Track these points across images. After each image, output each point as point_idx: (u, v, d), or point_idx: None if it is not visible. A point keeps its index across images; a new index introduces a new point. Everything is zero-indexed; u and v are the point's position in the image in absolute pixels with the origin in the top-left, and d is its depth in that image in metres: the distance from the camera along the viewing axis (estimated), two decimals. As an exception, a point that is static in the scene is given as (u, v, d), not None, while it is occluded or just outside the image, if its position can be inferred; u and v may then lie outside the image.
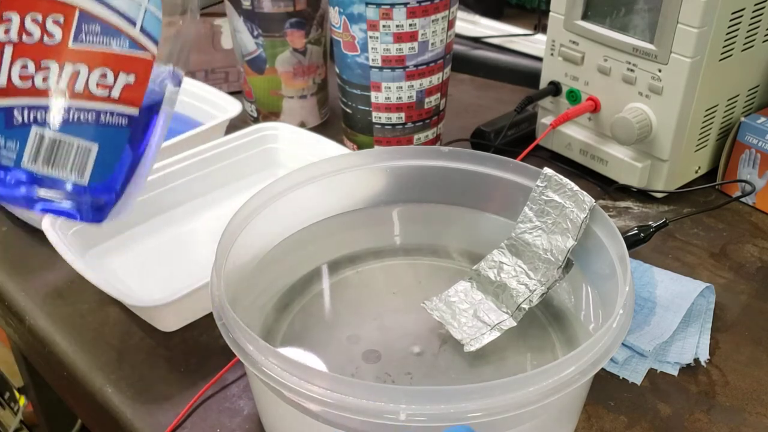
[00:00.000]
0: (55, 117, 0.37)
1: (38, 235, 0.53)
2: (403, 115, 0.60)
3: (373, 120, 0.61)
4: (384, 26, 0.56)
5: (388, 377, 0.41)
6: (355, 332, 0.43)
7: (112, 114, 0.37)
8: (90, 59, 0.37)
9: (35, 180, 0.37)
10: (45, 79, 0.36)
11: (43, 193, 0.37)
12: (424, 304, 0.45)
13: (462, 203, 0.48)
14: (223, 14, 0.75)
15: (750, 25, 0.55)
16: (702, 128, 0.58)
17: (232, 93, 0.68)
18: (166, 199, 0.56)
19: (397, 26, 0.55)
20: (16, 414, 1.02)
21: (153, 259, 0.53)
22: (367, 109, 0.60)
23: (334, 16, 0.58)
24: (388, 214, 0.50)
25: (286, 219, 0.46)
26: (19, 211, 0.57)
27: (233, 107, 0.63)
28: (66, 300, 0.51)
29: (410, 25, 0.56)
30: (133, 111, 0.37)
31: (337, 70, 0.61)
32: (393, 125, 0.61)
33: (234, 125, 0.63)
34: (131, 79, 0.37)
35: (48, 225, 0.49)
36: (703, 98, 0.55)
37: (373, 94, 0.59)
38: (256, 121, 0.70)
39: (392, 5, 0.54)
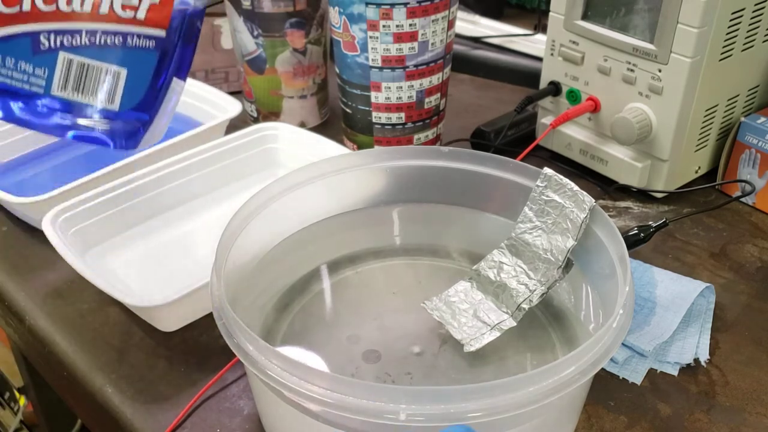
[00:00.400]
0: (82, 41, 0.36)
1: (38, 235, 0.53)
2: (403, 115, 0.60)
3: (373, 120, 0.61)
4: (384, 26, 0.56)
5: (388, 377, 0.41)
6: (355, 332, 0.43)
7: (139, 36, 0.36)
8: None
9: (66, 107, 0.37)
10: (69, 2, 0.36)
11: (74, 120, 0.37)
12: (424, 304, 0.45)
13: (462, 203, 0.48)
14: (223, 14, 0.75)
15: (750, 25, 0.55)
16: (702, 128, 0.58)
17: (232, 93, 0.68)
18: (166, 199, 0.56)
19: (397, 26, 0.55)
20: (16, 414, 1.02)
21: (153, 259, 0.53)
22: (367, 109, 0.60)
23: (334, 16, 0.58)
24: (388, 214, 0.50)
25: (286, 219, 0.46)
26: (19, 212, 0.57)
27: (233, 107, 0.63)
28: (66, 300, 0.51)
29: (410, 25, 0.56)
30: (160, 33, 0.37)
31: (337, 70, 0.61)
32: (393, 125, 0.61)
33: (234, 125, 0.63)
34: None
35: (48, 225, 0.49)
36: (703, 98, 0.55)
37: (373, 94, 0.59)
38: (256, 121, 0.70)
39: (392, 5, 0.54)
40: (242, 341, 0.34)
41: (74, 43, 0.36)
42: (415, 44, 0.57)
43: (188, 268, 0.52)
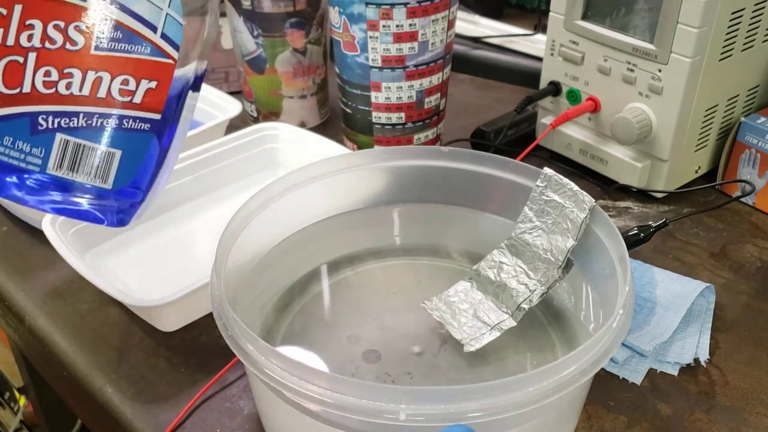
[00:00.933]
0: (79, 123, 0.37)
1: (38, 235, 0.53)
2: (403, 115, 0.60)
3: (373, 120, 0.61)
4: (384, 26, 0.56)
5: (388, 377, 0.41)
6: (355, 332, 0.43)
7: (134, 119, 0.38)
8: (112, 66, 0.37)
9: (60, 186, 0.38)
10: (68, 86, 0.37)
11: (67, 197, 0.38)
12: (424, 304, 0.44)
13: (462, 203, 0.48)
14: (223, 14, 0.75)
15: (750, 25, 0.55)
16: (702, 128, 0.58)
17: (232, 93, 0.69)
18: (166, 199, 0.56)
19: (397, 26, 0.55)
20: (16, 414, 1.02)
21: (153, 259, 0.53)
22: (367, 109, 0.60)
23: (334, 16, 0.58)
24: (388, 214, 0.50)
25: (286, 219, 0.46)
26: (19, 211, 0.57)
27: (233, 107, 0.63)
28: (66, 300, 0.51)
29: (410, 25, 0.56)
30: (155, 116, 0.38)
31: (337, 70, 0.61)
32: (393, 125, 0.61)
33: (234, 125, 0.63)
34: (153, 84, 0.37)
35: (48, 225, 0.49)
36: (703, 98, 0.55)
37: (373, 94, 0.59)
38: (256, 121, 0.70)
39: (392, 5, 0.54)
40: (242, 341, 0.34)
41: (71, 124, 0.37)
42: (415, 44, 0.57)
43: (188, 268, 0.52)
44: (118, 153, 0.38)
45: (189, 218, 0.57)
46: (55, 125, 0.37)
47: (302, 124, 0.69)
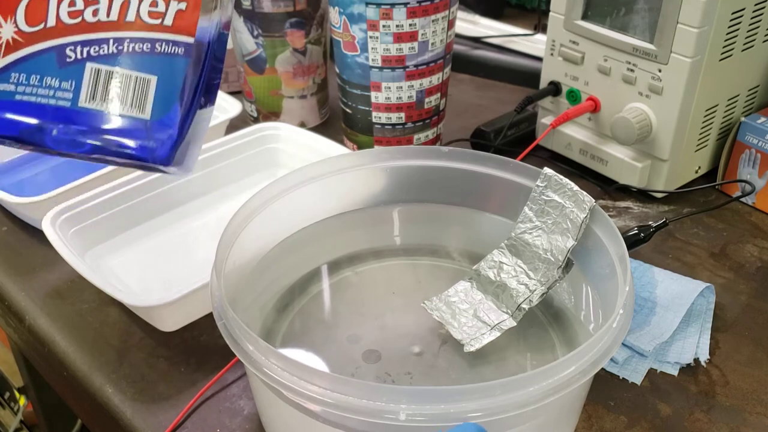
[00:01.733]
0: (110, 50, 0.36)
1: (38, 235, 0.53)
2: (403, 115, 0.60)
3: (373, 120, 0.61)
4: (384, 26, 0.56)
5: (388, 377, 0.41)
6: (355, 332, 0.43)
7: (167, 43, 0.36)
8: None
9: (95, 120, 0.36)
10: (95, 13, 0.35)
11: (104, 136, 0.36)
12: (424, 304, 0.44)
13: (462, 203, 0.48)
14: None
15: (750, 25, 0.55)
16: (702, 128, 0.58)
17: (232, 93, 0.69)
18: (166, 199, 0.56)
19: (397, 26, 0.55)
20: (16, 414, 1.02)
21: (153, 259, 0.53)
22: (367, 109, 0.60)
23: (334, 16, 0.58)
24: (388, 214, 0.50)
25: (286, 219, 0.46)
26: (19, 211, 0.57)
27: (233, 107, 0.63)
28: (66, 300, 0.51)
29: (410, 25, 0.56)
30: (188, 39, 0.36)
31: (337, 70, 0.61)
32: (393, 125, 0.61)
33: (234, 125, 0.63)
34: (182, 5, 0.36)
35: (48, 225, 0.49)
36: (703, 98, 0.55)
37: (373, 94, 0.59)
38: (256, 121, 0.70)
39: (392, 5, 0.54)
40: (242, 341, 0.34)
41: (101, 52, 0.35)
42: (415, 44, 0.57)
43: (188, 268, 0.52)
44: (153, 79, 0.36)
45: (189, 218, 0.57)
46: (85, 55, 0.35)
47: (302, 124, 0.69)
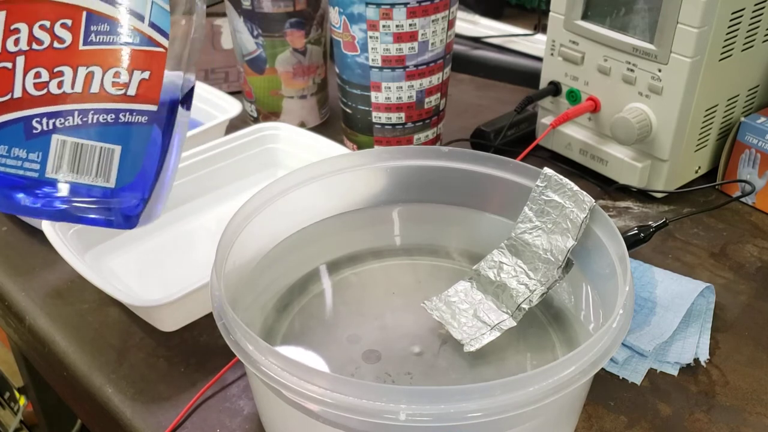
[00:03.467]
0: (75, 121, 0.36)
1: (38, 235, 0.53)
2: (403, 115, 0.60)
3: (373, 120, 0.61)
4: (384, 26, 0.56)
5: (388, 377, 0.41)
6: (355, 332, 0.43)
7: (131, 112, 0.37)
8: (102, 59, 0.36)
9: (61, 191, 0.37)
10: (60, 85, 0.36)
11: (71, 203, 0.37)
12: (424, 304, 0.44)
13: (462, 203, 0.48)
14: (223, 14, 0.75)
15: (750, 25, 0.55)
16: (702, 128, 0.58)
17: (232, 93, 0.69)
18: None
19: (397, 26, 0.55)
20: (16, 414, 1.02)
21: (153, 259, 0.53)
22: (367, 109, 0.60)
23: (334, 16, 0.58)
24: (388, 214, 0.50)
25: (286, 219, 0.46)
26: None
27: (233, 107, 0.63)
28: (66, 300, 0.51)
29: (410, 25, 0.56)
30: (152, 107, 0.37)
31: (337, 70, 0.61)
32: (393, 125, 0.61)
33: (234, 125, 0.63)
34: (146, 75, 0.37)
35: (48, 225, 0.49)
36: (703, 98, 0.55)
37: (373, 94, 0.59)
38: (256, 121, 0.70)
39: (392, 5, 0.54)
40: (242, 341, 0.34)
41: (67, 124, 0.36)
42: (415, 44, 0.57)
43: (188, 268, 0.52)
44: (117, 149, 0.37)
45: (189, 218, 0.57)
46: (51, 127, 0.36)
47: (302, 124, 0.69)
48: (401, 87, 0.58)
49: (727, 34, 0.54)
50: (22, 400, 1.01)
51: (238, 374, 0.45)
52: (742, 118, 0.58)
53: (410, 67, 0.58)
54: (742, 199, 0.60)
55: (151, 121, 0.37)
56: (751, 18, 0.55)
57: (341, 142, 0.63)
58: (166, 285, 0.50)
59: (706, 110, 0.57)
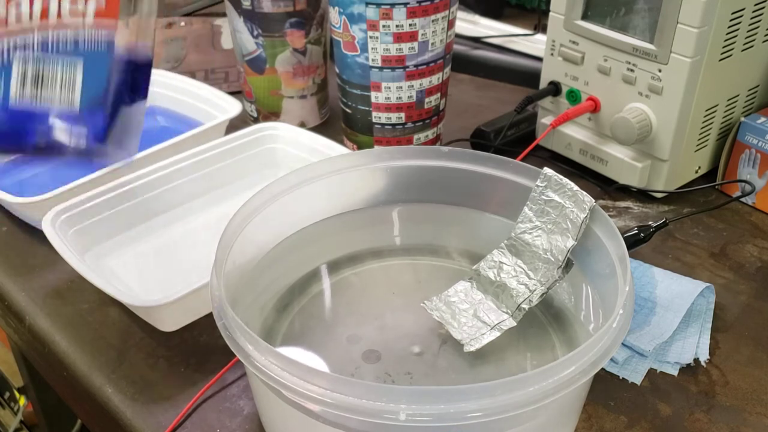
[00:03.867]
0: (36, 46, 0.37)
1: (38, 235, 0.53)
2: (403, 115, 0.60)
3: (373, 120, 0.61)
4: (384, 26, 0.56)
5: (388, 377, 0.41)
6: (355, 332, 0.43)
7: (89, 38, 0.38)
8: None
9: (26, 117, 0.38)
10: (19, 18, 0.37)
11: (36, 128, 0.38)
12: (424, 304, 0.44)
13: (462, 203, 0.48)
14: (223, 14, 0.75)
15: (750, 25, 0.55)
16: (702, 128, 0.58)
17: (232, 93, 0.68)
18: (166, 199, 0.56)
19: (397, 26, 0.55)
20: (16, 414, 1.02)
21: (153, 259, 0.53)
22: (367, 109, 0.60)
23: (334, 16, 0.58)
24: (388, 214, 0.50)
25: (286, 219, 0.46)
26: (19, 211, 0.57)
27: (233, 107, 0.63)
28: (66, 300, 0.51)
29: (410, 25, 0.56)
30: (110, 36, 0.38)
31: (337, 70, 0.61)
32: (393, 125, 0.61)
33: (234, 125, 0.63)
34: (102, 2, 0.38)
35: (48, 225, 0.49)
36: (703, 98, 0.55)
37: (373, 94, 0.59)
38: (256, 121, 0.70)
39: (392, 5, 0.54)
40: (242, 341, 0.34)
41: (27, 49, 0.38)
42: (415, 44, 0.57)
43: (188, 268, 0.52)
44: (79, 72, 0.38)
45: (189, 218, 0.57)
46: (11, 48, 0.37)
47: (302, 124, 0.69)
48: (401, 87, 0.58)
49: (727, 34, 0.54)
50: (22, 400, 1.01)
51: (238, 374, 0.45)
52: (742, 118, 0.58)
53: (410, 67, 0.58)
54: (742, 199, 0.60)
55: (110, 48, 0.38)
56: (751, 18, 0.55)
57: (341, 142, 0.63)
58: (166, 285, 0.51)
59: (706, 110, 0.57)
